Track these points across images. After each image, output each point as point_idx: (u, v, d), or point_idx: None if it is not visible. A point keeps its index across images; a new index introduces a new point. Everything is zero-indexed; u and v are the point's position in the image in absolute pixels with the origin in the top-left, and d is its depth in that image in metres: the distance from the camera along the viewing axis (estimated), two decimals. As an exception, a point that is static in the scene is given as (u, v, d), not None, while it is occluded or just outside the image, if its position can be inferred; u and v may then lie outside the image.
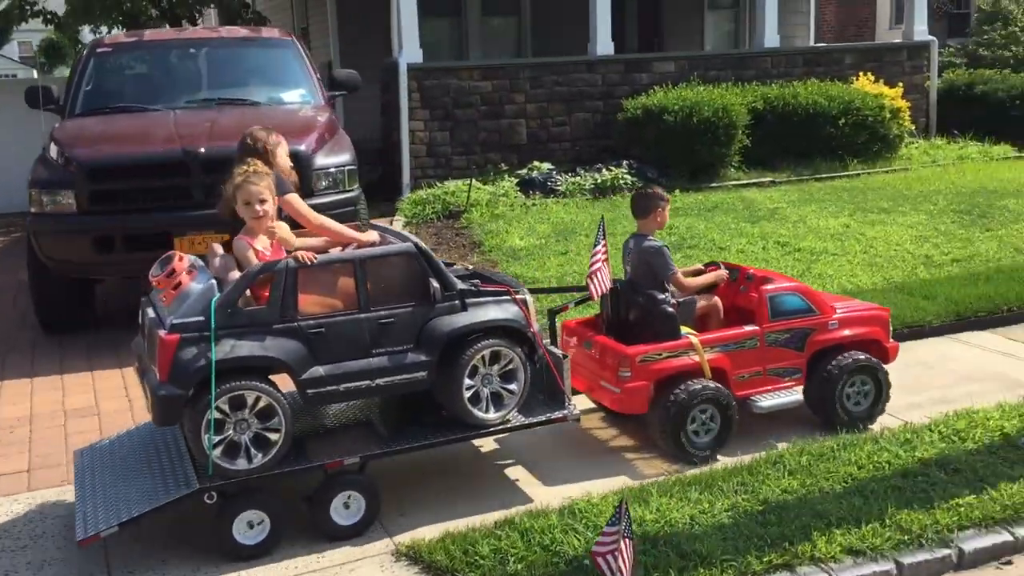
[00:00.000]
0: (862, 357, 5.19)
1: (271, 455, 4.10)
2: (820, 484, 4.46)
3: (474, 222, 10.40)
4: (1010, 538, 4.13)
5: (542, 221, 10.27)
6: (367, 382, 4.22)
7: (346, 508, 4.27)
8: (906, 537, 4.06)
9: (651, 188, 5.35)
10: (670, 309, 5.06)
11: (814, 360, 5.21)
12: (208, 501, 4.06)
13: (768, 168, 12.83)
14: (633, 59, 13.70)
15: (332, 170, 7.13)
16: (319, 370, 4.15)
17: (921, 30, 15.12)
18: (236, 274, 4.21)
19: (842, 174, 12.78)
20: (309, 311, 4.15)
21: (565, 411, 4.64)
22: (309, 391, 4.15)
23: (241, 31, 10.17)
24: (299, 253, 4.22)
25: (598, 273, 4.90)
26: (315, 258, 4.21)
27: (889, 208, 10.33)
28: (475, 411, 4.43)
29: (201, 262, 4.31)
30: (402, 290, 4.30)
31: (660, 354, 4.91)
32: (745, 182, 12.31)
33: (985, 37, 19.79)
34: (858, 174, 12.81)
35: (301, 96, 8.19)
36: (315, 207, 6.75)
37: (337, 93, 8.53)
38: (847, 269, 8.05)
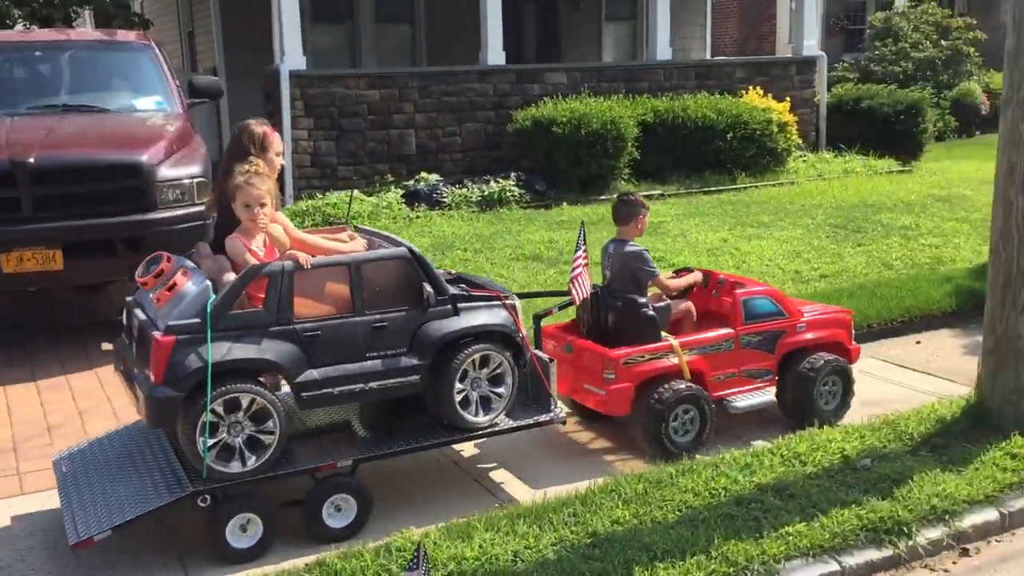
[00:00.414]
0: (832, 359, 5.40)
1: (265, 458, 4.09)
2: (653, 514, 4.30)
3: (353, 235, 10.11)
4: (836, 568, 4.04)
5: (423, 234, 10.03)
6: (361, 385, 4.24)
7: (338, 511, 4.29)
8: (731, 569, 3.92)
9: (632, 196, 5.47)
10: (651, 312, 5.20)
11: (783, 362, 5.41)
12: (201, 504, 4.03)
13: (659, 181, 12.85)
14: (525, 69, 13.58)
15: (181, 182, 6.76)
16: (313, 373, 4.15)
17: (810, 45, 15.38)
18: (231, 275, 4.15)
19: (730, 187, 12.88)
20: (304, 314, 4.15)
21: (551, 414, 4.75)
22: (304, 394, 4.15)
23: (94, 34, 9.69)
24: (295, 255, 4.18)
25: (579, 278, 5.04)
26: (310, 260, 4.17)
27: (769, 222, 10.39)
28: (465, 414, 4.48)
29: (192, 263, 4.26)
30: (396, 294, 4.33)
31: (643, 356, 5.03)
32: (634, 194, 12.28)
33: (876, 52, 20.29)
34: (746, 187, 12.92)
35: (155, 103, 7.79)
36: (157, 222, 6.59)
37: (197, 101, 8.15)
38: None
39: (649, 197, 12.24)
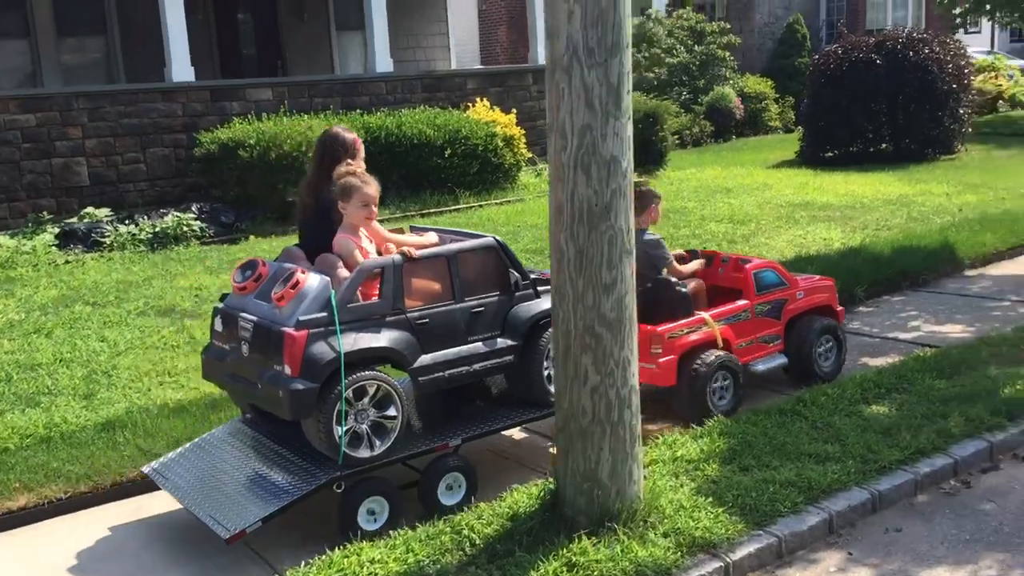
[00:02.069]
0: (827, 320, 5.94)
1: (390, 442, 4.25)
2: None
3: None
4: None
5: (55, 285, 8.44)
6: (467, 367, 4.49)
7: (449, 489, 4.44)
8: None
9: (645, 186, 5.74)
10: (684, 291, 5.57)
11: (788, 327, 5.87)
12: (337, 490, 4.15)
13: (373, 204, 11.73)
14: (220, 86, 12.14)
15: None
16: (426, 358, 4.36)
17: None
18: (343, 271, 4.31)
19: (452, 208, 11.91)
20: (413, 303, 4.36)
21: None
22: (420, 378, 4.35)
23: None
24: (403, 249, 4.41)
25: None
26: (416, 253, 4.39)
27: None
28: (551, 389, 4.48)
29: (289, 264, 4.44)
30: (487, 281, 4.59)
31: (682, 331, 5.42)
32: (342, 221, 11.10)
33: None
34: (470, 207, 11.99)
35: None
36: None
37: None
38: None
39: (358, 224, 11.15)
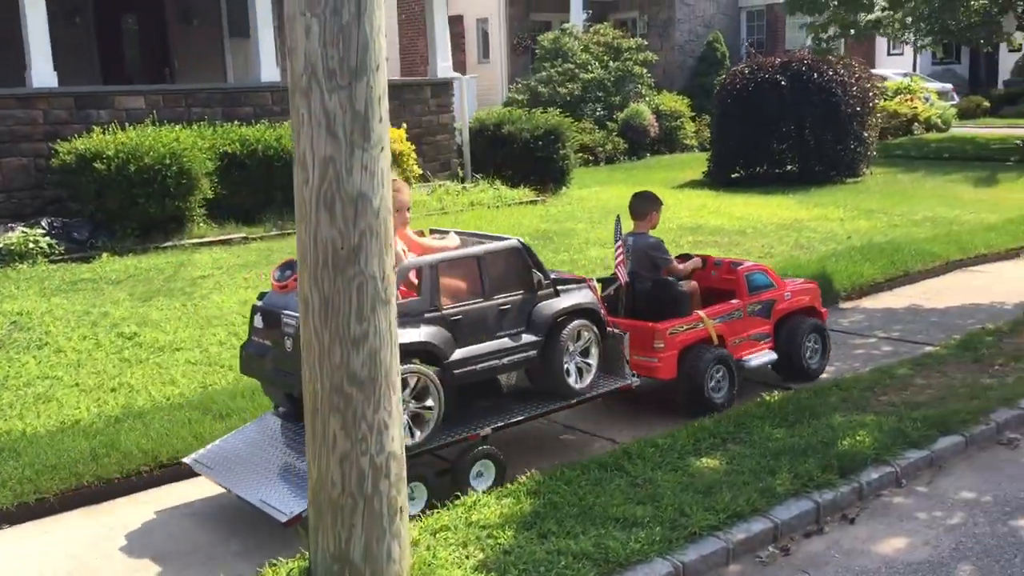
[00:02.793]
0: (812, 320, 6.33)
1: (429, 431, 4.50)
2: None
3: None
4: None
5: None
6: (497, 361, 4.76)
7: (479, 476, 4.70)
8: None
9: (648, 193, 6.20)
10: (684, 290, 5.89)
11: (777, 326, 6.24)
12: None
13: (248, 221, 11.12)
14: (85, 93, 11.42)
15: None
16: (460, 353, 4.63)
17: (444, 67, 14.25)
18: None
19: (335, 226, 11.36)
20: (447, 301, 4.63)
21: (629, 380, 5.35)
22: (456, 371, 4.61)
23: None
24: (441, 246, 4.88)
25: (621, 265, 5.68)
26: (453, 254, 4.78)
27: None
28: (569, 382, 5.02)
29: None
30: (512, 280, 4.85)
31: (682, 327, 5.74)
32: (211, 239, 10.49)
33: (543, 74, 19.69)
34: (353, 225, 11.46)
35: None
36: None
37: None
38: (172, 374, 6.34)
39: (228, 242, 10.53)
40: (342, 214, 3.30)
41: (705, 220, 11.75)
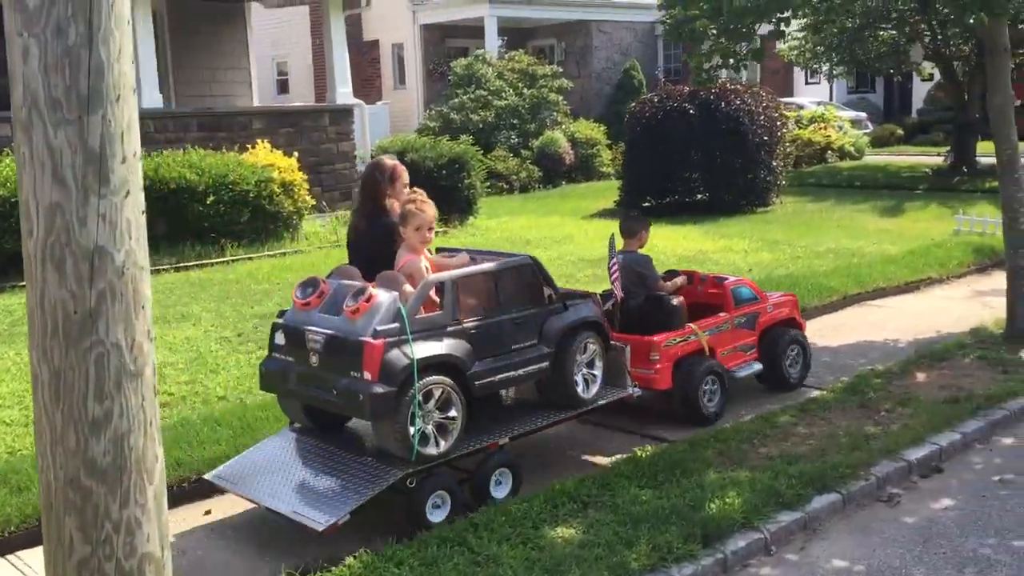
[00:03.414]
0: (794, 332, 6.61)
1: (452, 441, 4.67)
2: None
3: None
4: None
5: None
6: (513, 372, 4.97)
7: (498, 484, 4.90)
8: None
9: (636, 214, 6.81)
10: (676, 304, 6.14)
11: (760, 337, 6.48)
12: (409, 485, 4.53)
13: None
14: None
15: None
16: (480, 365, 4.80)
17: (344, 92, 13.76)
18: (408, 287, 4.72)
19: (217, 260, 10.75)
20: (466, 315, 4.81)
21: (630, 390, 5.59)
22: (477, 383, 4.77)
23: None
24: (460, 262, 5.12)
25: (616, 282, 5.92)
26: (469, 270, 4.97)
27: (192, 312, 8.29)
28: (578, 392, 5.26)
29: (350, 281, 4.87)
30: (526, 295, 5.11)
31: (675, 340, 5.99)
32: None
33: (456, 100, 19.33)
34: (237, 259, 10.85)
35: None
36: None
37: None
38: None
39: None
40: (74, 272, 2.74)
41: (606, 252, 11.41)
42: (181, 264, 10.43)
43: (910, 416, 5.86)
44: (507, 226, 14.07)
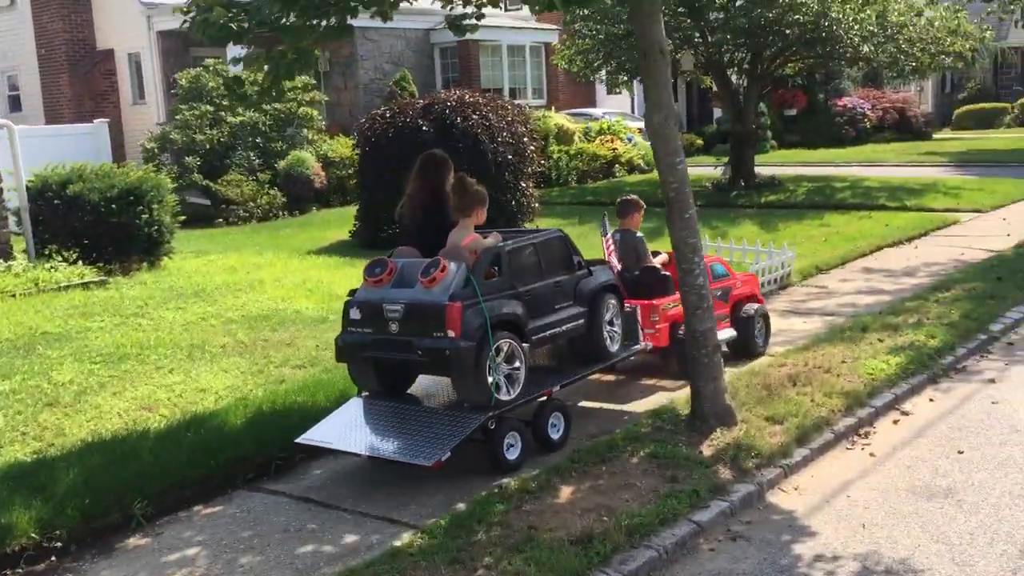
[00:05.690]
0: (759, 306, 7.69)
1: (519, 388, 5.49)
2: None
3: None
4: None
5: None
6: (558, 329, 5.82)
7: (553, 427, 5.66)
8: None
9: (630, 196, 7.60)
10: (667, 275, 7.01)
11: (732, 309, 7.50)
12: (490, 427, 5.30)
13: None
14: None
15: None
16: (534, 323, 5.62)
17: None
18: (472, 259, 5.50)
19: None
20: (518, 281, 5.61)
21: (643, 345, 6.64)
22: (533, 338, 5.61)
23: None
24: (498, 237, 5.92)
25: (611, 255, 6.84)
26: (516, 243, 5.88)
27: None
28: (607, 346, 6.19)
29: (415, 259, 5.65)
30: (558, 263, 5.95)
31: (671, 304, 6.87)
32: None
33: (178, 117, 16.80)
34: None
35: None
36: None
37: None
38: None
39: None
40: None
41: (296, 304, 9.32)
42: None
43: (514, 576, 4.06)
44: (209, 268, 11.74)
